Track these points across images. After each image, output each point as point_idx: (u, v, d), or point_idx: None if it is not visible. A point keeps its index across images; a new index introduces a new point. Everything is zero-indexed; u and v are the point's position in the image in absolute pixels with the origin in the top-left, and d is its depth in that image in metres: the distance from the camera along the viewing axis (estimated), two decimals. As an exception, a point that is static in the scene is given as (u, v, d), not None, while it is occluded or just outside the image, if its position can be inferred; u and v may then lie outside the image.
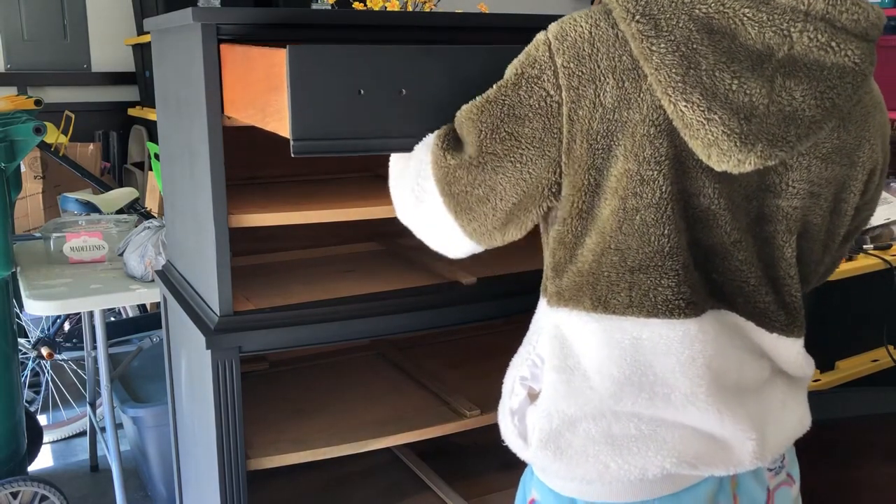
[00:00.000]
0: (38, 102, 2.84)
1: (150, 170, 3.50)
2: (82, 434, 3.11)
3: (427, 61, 1.14)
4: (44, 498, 2.27)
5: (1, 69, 3.88)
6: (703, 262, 0.97)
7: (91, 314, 2.50)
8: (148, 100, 3.82)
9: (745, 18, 0.88)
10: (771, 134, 0.88)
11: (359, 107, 1.11)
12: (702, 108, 0.86)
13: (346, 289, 1.59)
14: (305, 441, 1.56)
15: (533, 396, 1.02)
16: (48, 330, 2.95)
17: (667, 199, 0.92)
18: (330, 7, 3.31)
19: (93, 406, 2.82)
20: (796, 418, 1.05)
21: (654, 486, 0.98)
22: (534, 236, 1.10)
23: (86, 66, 4.04)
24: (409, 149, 1.13)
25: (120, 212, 2.96)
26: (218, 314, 1.41)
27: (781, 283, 1.01)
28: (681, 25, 0.88)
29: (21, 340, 2.80)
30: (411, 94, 1.12)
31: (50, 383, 3.16)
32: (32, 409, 3.02)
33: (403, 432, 1.60)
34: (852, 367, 2.21)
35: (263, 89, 1.20)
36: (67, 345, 2.99)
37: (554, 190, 0.97)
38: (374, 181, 1.85)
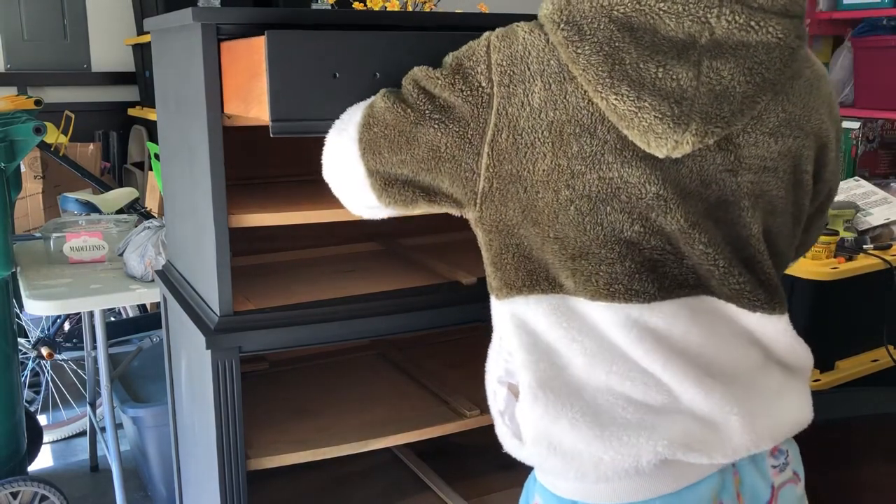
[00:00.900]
0: (38, 102, 2.84)
1: (150, 170, 3.50)
2: (82, 434, 3.11)
3: (400, 47, 1.20)
4: (44, 498, 2.27)
5: (1, 69, 3.88)
6: (670, 248, 1.00)
7: (91, 314, 2.51)
8: (148, 100, 3.82)
9: (662, 12, 0.93)
10: (704, 113, 0.93)
11: (334, 89, 1.17)
12: (631, 98, 0.92)
13: (346, 289, 1.60)
14: (305, 441, 1.56)
15: (515, 393, 1.04)
16: (48, 330, 2.95)
17: (597, 190, 0.97)
18: (330, 7, 3.31)
19: (93, 406, 2.83)
20: (794, 408, 1.05)
21: (653, 482, 0.98)
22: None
23: (86, 66, 4.04)
24: None
25: (120, 212, 2.96)
26: (218, 314, 1.41)
27: (754, 261, 1.03)
28: (602, 28, 0.94)
29: (21, 340, 2.80)
30: (384, 78, 1.17)
31: (50, 383, 3.16)
32: (32, 409, 3.02)
33: (403, 432, 1.60)
34: (852, 367, 2.21)
35: (246, 78, 1.24)
36: (67, 345, 2.99)
37: (469, 171, 1.02)
38: (374, 181, 1.85)
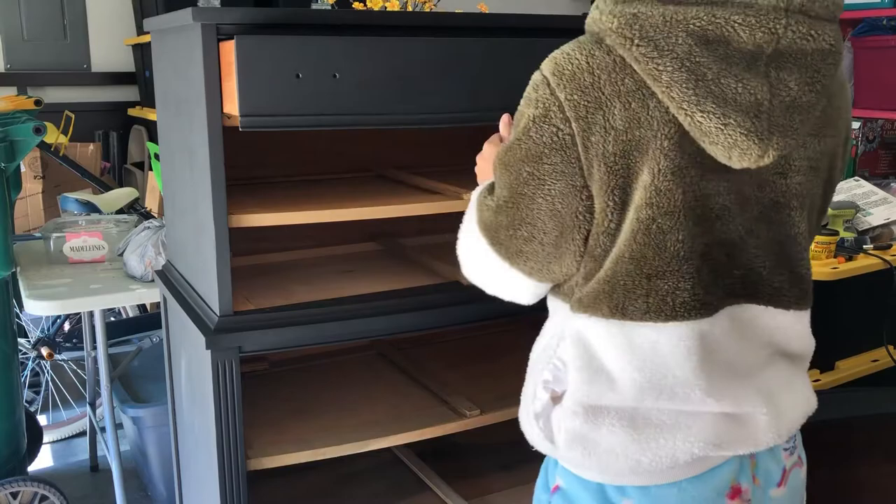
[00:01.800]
0: (38, 102, 2.83)
1: (150, 170, 3.50)
2: (82, 434, 3.11)
3: (357, 50, 1.32)
4: (44, 498, 2.27)
5: (1, 69, 3.88)
6: (725, 259, 1.02)
7: (91, 314, 2.50)
8: (148, 100, 3.82)
9: (736, 24, 0.93)
10: (780, 125, 0.94)
11: (297, 89, 1.29)
12: (717, 115, 0.92)
13: (346, 289, 1.60)
14: (305, 441, 1.56)
15: (556, 399, 1.06)
16: (48, 330, 2.95)
17: (681, 205, 0.96)
18: (330, 7, 3.31)
19: (93, 406, 2.82)
20: (803, 397, 1.11)
21: (683, 470, 1.03)
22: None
23: (86, 66, 4.04)
24: (343, 126, 1.39)
25: (120, 212, 2.96)
26: (218, 314, 1.41)
27: (796, 259, 1.07)
28: (680, 42, 0.93)
29: (21, 340, 2.80)
30: (343, 78, 1.31)
31: (50, 383, 3.16)
32: (32, 409, 3.02)
33: (403, 432, 1.60)
34: (852, 367, 2.20)
35: (223, 77, 1.34)
36: (67, 345, 2.98)
37: (590, 211, 1.00)
38: (375, 181, 1.85)
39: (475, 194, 1.12)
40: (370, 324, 1.50)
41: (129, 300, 2.31)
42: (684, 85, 0.91)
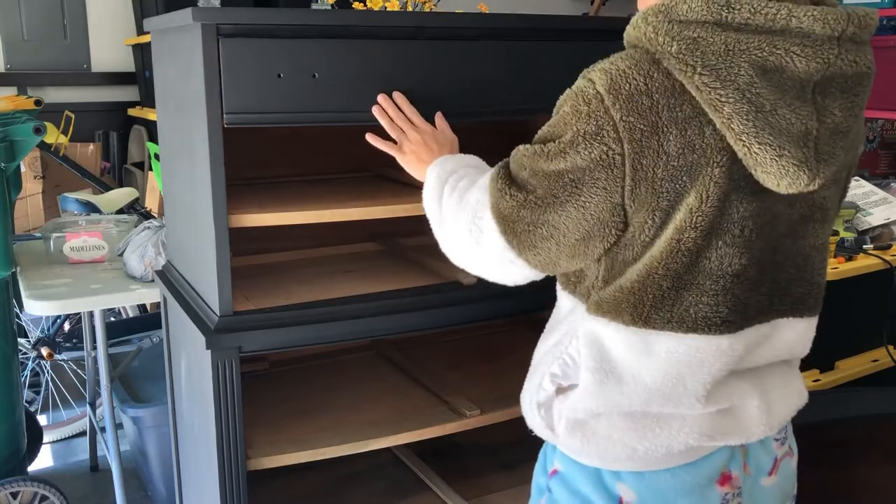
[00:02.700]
0: (38, 102, 2.83)
1: (150, 170, 3.49)
2: (82, 434, 3.11)
3: (336, 51, 1.37)
4: (44, 498, 2.27)
5: (1, 69, 3.87)
6: (756, 276, 1.02)
7: (91, 314, 2.50)
8: (148, 100, 3.82)
9: (794, 55, 0.93)
10: (825, 152, 0.96)
11: (279, 88, 1.35)
12: (773, 147, 0.92)
13: (346, 289, 1.59)
14: (306, 441, 1.56)
15: (560, 391, 1.08)
16: (48, 330, 2.95)
17: (717, 226, 0.97)
18: (330, 7, 3.31)
19: (93, 406, 2.82)
20: (795, 392, 1.15)
21: (677, 458, 1.06)
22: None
23: (86, 66, 4.04)
24: (321, 122, 1.43)
25: (120, 212, 2.96)
26: (218, 314, 1.41)
27: (818, 268, 1.10)
28: (742, 73, 0.92)
29: (21, 340, 2.80)
30: (322, 78, 1.37)
31: (50, 383, 3.16)
32: (32, 409, 3.02)
33: (403, 432, 1.60)
34: (852, 367, 2.20)
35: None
36: (67, 345, 2.98)
37: (620, 228, 1.00)
38: (374, 181, 1.85)
39: (488, 179, 1.08)
40: (370, 324, 1.50)
41: (129, 300, 2.31)
42: (745, 117, 0.91)
